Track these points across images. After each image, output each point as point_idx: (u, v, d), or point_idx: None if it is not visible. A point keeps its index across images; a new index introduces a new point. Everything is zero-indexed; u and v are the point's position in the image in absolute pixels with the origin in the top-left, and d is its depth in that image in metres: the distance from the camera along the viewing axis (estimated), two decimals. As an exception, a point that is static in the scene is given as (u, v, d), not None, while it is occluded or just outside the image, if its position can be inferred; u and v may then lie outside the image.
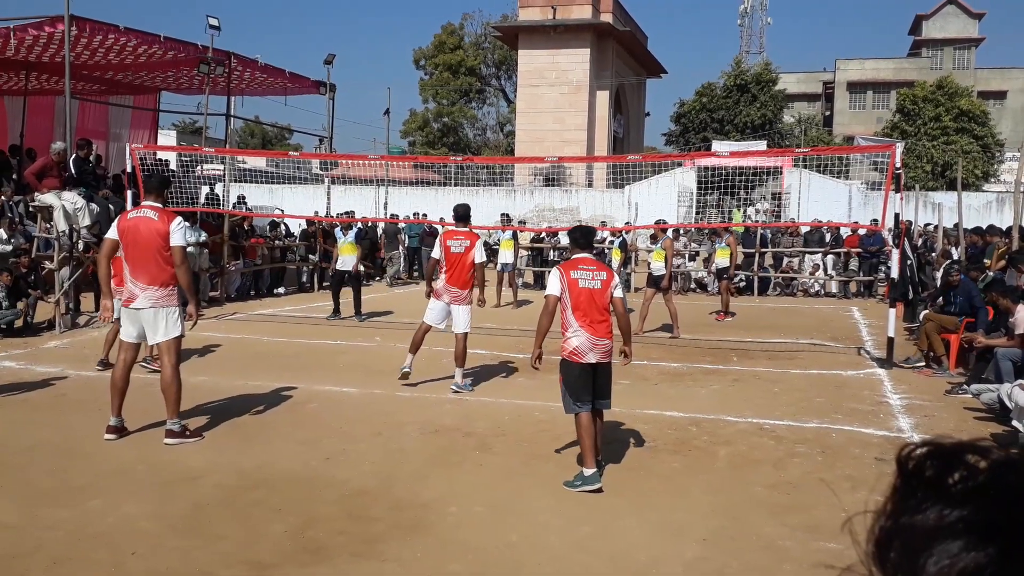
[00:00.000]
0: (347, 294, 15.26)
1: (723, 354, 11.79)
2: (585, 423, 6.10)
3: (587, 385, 6.22)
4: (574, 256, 6.55)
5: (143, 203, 7.34)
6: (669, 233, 14.77)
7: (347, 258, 15.11)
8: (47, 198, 12.99)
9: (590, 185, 35.39)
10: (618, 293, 6.37)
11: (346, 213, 17.23)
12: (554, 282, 6.36)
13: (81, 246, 13.29)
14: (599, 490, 5.85)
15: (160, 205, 7.32)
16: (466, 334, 9.27)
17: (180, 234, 7.14)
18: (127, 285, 7.15)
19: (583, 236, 6.64)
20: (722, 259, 16.04)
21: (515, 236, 19.18)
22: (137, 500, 5.57)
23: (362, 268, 21.53)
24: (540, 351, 6.47)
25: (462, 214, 9.77)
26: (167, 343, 7.07)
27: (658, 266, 13.82)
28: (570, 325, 6.26)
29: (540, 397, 8.72)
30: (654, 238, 14.81)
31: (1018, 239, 12.02)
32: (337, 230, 15.85)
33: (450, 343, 9.37)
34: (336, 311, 14.98)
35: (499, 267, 18.69)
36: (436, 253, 9.52)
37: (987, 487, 0.56)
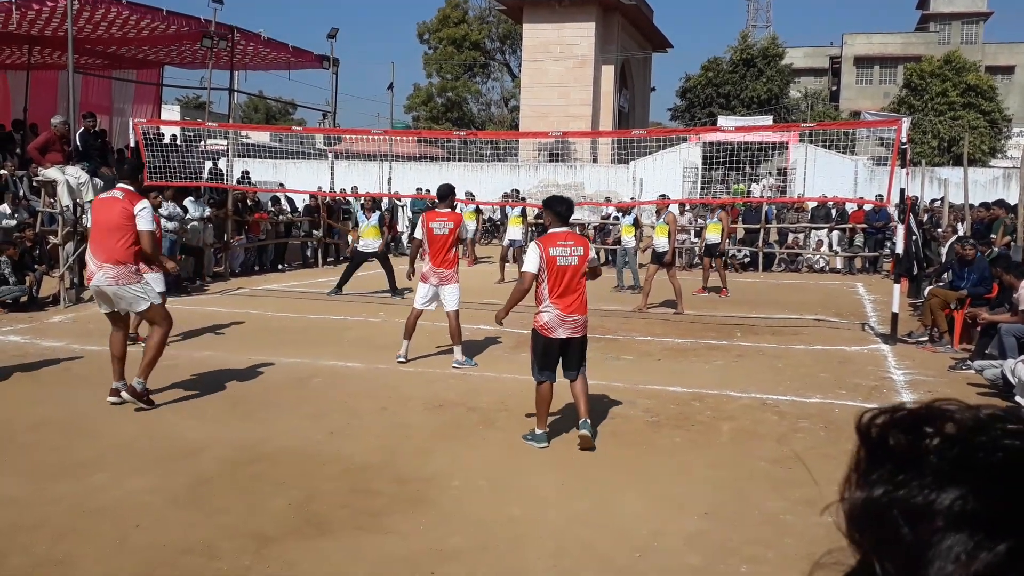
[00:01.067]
0: (358, 278, 15.23)
1: (727, 330, 11.79)
2: (543, 393, 6.37)
3: (552, 357, 6.37)
4: (552, 230, 6.46)
5: (116, 185, 7.44)
6: (673, 208, 14.72)
7: (369, 241, 14.94)
8: (51, 173, 12.98)
9: (595, 161, 35.26)
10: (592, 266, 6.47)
11: (362, 192, 17.31)
12: (532, 258, 6.35)
13: (85, 221, 13.28)
14: (546, 447, 6.28)
15: (132, 188, 7.33)
16: (457, 311, 9.28)
17: (146, 218, 7.13)
18: (88, 262, 7.36)
19: (565, 209, 6.53)
20: (712, 234, 16.00)
21: (524, 212, 19.08)
22: (140, 474, 5.60)
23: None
24: (506, 315, 6.76)
25: (445, 194, 9.62)
26: (150, 313, 7.27)
27: (661, 241, 13.78)
28: (542, 300, 6.34)
29: (543, 372, 8.73)
30: (658, 213, 14.75)
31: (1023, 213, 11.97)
32: (360, 213, 15.72)
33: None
34: (339, 288, 14.82)
35: (506, 243, 18.61)
36: (419, 234, 9.46)
37: (969, 459, 0.52)
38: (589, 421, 6.33)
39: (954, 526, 0.48)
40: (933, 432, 0.54)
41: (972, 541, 0.47)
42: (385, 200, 24.06)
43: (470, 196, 23.69)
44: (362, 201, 17.07)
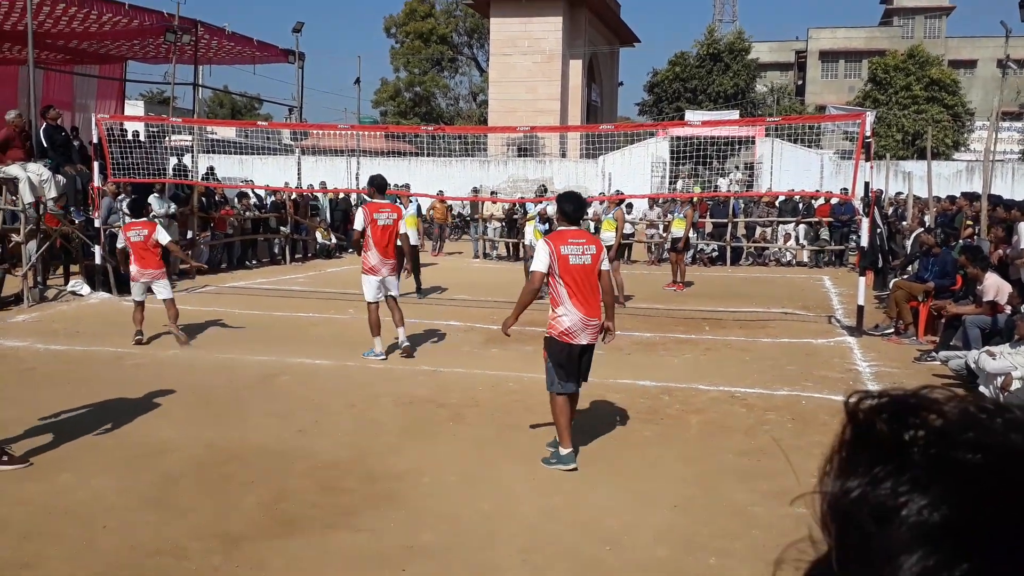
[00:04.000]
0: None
1: (695, 324, 11.86)
2: (563, 404, 5.86)
3: (575, 365, 5.92)
4: (561, 228, 6.08)
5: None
6: (622, 205, 14.81)
7: (412, 231, 14.78)
8: (12, 170, 12.77)
9: (564, 155, 35.33)
10: (604, 266, 6.00)
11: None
12: (542, 257, 5.87)
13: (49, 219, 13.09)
14: (574, 469, 5.73)
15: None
16: (397, 296, 9.55)
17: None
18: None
19: (575, 208, 6.12)
20: (677, 229, 16.12)
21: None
22: (107, 474, 5.54)
23: (334, 239, 21.45)
24: (514, 323, 6.14)
25: (382, 185, 9.70)
26: None
27: (608, 236, 13.86)
28: (562, 303, 5.85)
29: (513, 368, 8.75)
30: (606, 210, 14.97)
31: (987, 207, 12.14)
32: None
33: (423, 313, 9.35)
34: (421, 288, 14.59)
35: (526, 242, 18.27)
36: (360, 225, 9.38)
37: (948, 460, 0.49)
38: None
39: (919, 537, 0.46)
40: (919, 423, 0.52)
41: (934, 557, 0.45)
42: (353, 195, 23.95)
43: (441, 192, 23.60)
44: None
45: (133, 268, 9.91)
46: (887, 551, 0.46)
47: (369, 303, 9.35)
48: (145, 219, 10.56)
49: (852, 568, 0.49)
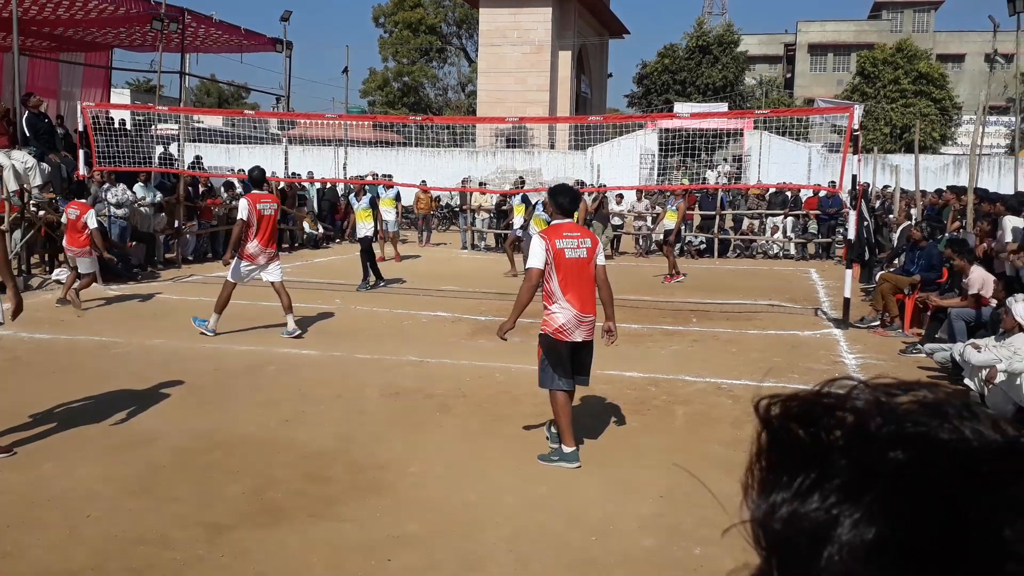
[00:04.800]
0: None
1: (683, 315, 11.88)
2: (563, 401, 5.71)
3: (569, 362, 5.77)
4: (556, 222, 5.94)
5: None
6: (586, 196, 14.87)
7: (367, 224, 14.71)
8: (-4, 157, 12.68)
9: (552, 147, 35.29)
10: (600, 261, 5.86)
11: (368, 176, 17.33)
12: (538, 252, 5.68)
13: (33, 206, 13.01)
14: (578, 467, 5.60)
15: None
16: (282, 281, 9.88)
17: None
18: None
19: (571, 200, 6.01)
20: (669, 221, 16.20)
21: (525, 199, 18.66)
22: (91, 463, 5.51)
23: (321, 229, 21.40)
24: (512, 327, 5.89)
25: (260, 178, 10.13)
26: None
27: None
28: (556, 300, 5.69)
29: (500, 359, 8.74)
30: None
31: (973, 200, 12.18)
32: (351, 196, 15.60)
33: (411, 303, 9.32)
34: (378, 279, 14.35)
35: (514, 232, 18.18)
36: (245, 215, 9.67)
37: (873, 461, 0.45)
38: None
39: (858, 561, 0.42)
40: (834, 423, 0.48)
41: None
42: (340, 186, 23.88)
43: (423, 183, 23.51)
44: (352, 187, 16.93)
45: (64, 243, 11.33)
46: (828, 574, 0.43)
47: (228, 280, 9.78)
48: (84, 200, 11.50)
49: None
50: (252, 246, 9.68)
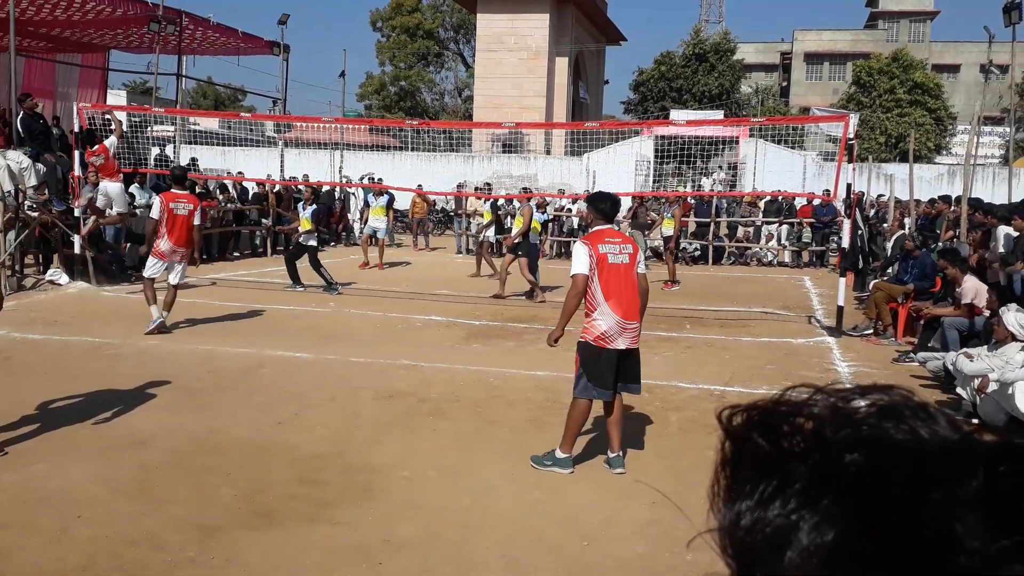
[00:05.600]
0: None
1: (677, 322, 11.89)
2: (583, 410, 5.63)
3: (612, 372, 5.60)
4: (596, 228, 5.85)
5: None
6: (531, 202, 14.88)
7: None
8: (-9, 157, 12.66)
9: (548, 152, 35.31)
10: (641, 269, 5.78)
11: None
12: (582, 258, 5.59)
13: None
14: (571, 473, 5.58)
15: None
16: (178, 285, 10.22)
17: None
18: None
19: (611, 206, 5.93)
20: (667, 228, 16.27)
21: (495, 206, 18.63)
22: (83, 464, 5.50)
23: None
24: (561, 334, 5.82)
25: (180, 176, 10.46)
26: None
27: (515, 230, 14.14)
28: (598, 306, 5.57)
29: (495, 363, 8.75)
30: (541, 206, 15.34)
31: (967, 210, 12.23)
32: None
33: (406, 308, 9.32)
34: (297, 282, 14.22)
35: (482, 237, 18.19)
36: (156, 214, 9.97)
37: (831, 467, 0.46)
38: (621, 455, 5.80)
39: (817, 564, 0.43)
40: (792, 431, 0.49)
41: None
42: (337, 189, 23.84)
43: (420, 188, 23.51)
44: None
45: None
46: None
47: (146, 278, 9.99)
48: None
49: None
50: (163, 244, 9.94)
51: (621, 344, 5.58)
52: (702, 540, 0.53)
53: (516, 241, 13.69)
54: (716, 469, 0.53)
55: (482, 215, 21.98)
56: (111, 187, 13.50)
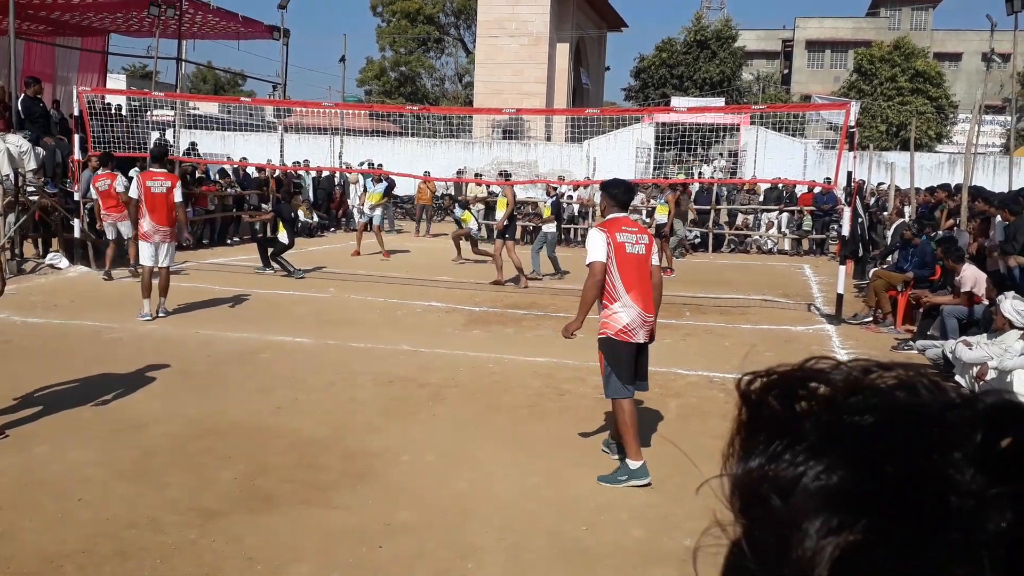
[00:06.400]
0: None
1: (676, 309, 11.89)
2: (631, 410, 5.33)
3: (632, 366, 5.41)
4: (612, 216, 5.57)
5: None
6: (499, 189, 15.02)
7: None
8: (-9, 141, 12.63)
9: (549, 139, 35.24)
10: (655, 260, 5.57)
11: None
12: (599, 245, 5.32)
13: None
14: (649, 484, 5.19)
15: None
16: (170, 267, 10.04)
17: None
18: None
19: (626, 193, 5.70)
20: (660, 216, 16.26)
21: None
22: (84, 447, 5.52)
23: (316, 218, 21.37)
24: (580, 326, 5.51)
25: (159, 154, 10.36)
26: None
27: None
28: (618, 298, 5.32)
29: (494, 349, 8.77)
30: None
31: (967, 199, 12.22)
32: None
33: (406, 294, 9.33)
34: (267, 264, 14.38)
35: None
36: (135, 193, 9.91)
37: (839, 426, 0.49)
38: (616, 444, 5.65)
39: (820, 503, 0.46)
40: (807, 395, 0.52)
41: (835, 519, 0.45)
42: (337, 174, 23.82)
43: (427, 174, 23.48)
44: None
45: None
46: (792, 521, 0.46)
47: (143, 266, 9.89)
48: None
49: (764, 542, 0.49)
50: (146, 224, 9.87)
51: (641, 338, 5.40)
52: (698, 526, 0.55)
53: (504, 224, 13.75)
54: (732, 432, 0.55)
55: (485, 200, 21.98)
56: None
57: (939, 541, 0.42)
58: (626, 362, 5.34)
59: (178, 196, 10.00)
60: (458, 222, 16.58)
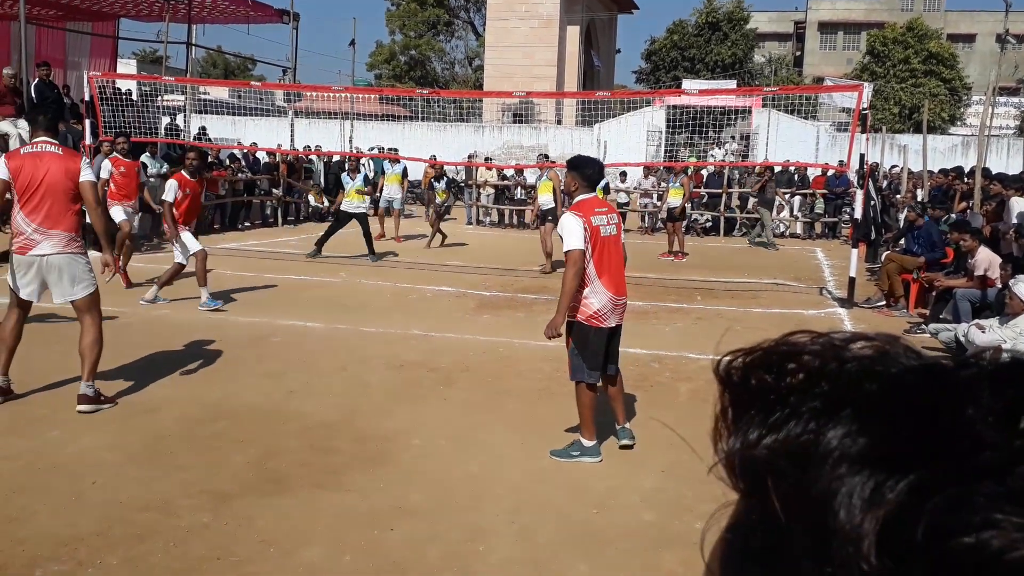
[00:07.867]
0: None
1: (687, 293, 11.88)
2: (592, 396, 5.32)
3: (603, 351, 5.34)
4: (582, 197, 5.38)
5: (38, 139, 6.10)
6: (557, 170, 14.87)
7: (355, 202, 14.63)
8: (2, 126, 12.68)
9: (559, 123, 35.14)
10: (621, 239, 5.52)
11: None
12: (576, 231, 5.15)
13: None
14: (600, 462, 5.32)
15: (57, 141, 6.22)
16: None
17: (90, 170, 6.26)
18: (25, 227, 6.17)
19: (597, 171, 5.52)
20: (674, 199, 16.17)
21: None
22: (97, 431, 5.55)
23: (326, 203, 21.36)
24: (563, 322, 5.27)
25: (201, 163, 10.58)
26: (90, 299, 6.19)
27: (546, 199, 14.03)
28: (590, 281, 5.22)
29: (504, 333, 8.78)
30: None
31: (980, 181, 12.14)
32: (344, 175, 15.42)
33: (416, 278, 9.34)
34: (319, 249, 14.35)
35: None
36: (171, 197, 9.75)
37: (843, 392, 0.48)
38: (629, 427, 5.66)
39: (851, 468, 0.44)
40: (795, 368, 0.50)
41: (873, 482, 0.43)
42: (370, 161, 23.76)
43: (433, 158, 23.41)
44: (346, 164, 16.68)
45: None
46: (824, 490, 0.44)
47: (201, 252, 9.90)
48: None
49: (788, 517, 0.46)
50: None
51: (612, 322, 5.35)
52: (709, 509, 0.54)
53: (545, 208, 13.76)
54: (717, 414, 0.53)
55: (495, 185, 21.92)
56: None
57: (980, 493, 0.41)
58: (593, 348, 5.28)
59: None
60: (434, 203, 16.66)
